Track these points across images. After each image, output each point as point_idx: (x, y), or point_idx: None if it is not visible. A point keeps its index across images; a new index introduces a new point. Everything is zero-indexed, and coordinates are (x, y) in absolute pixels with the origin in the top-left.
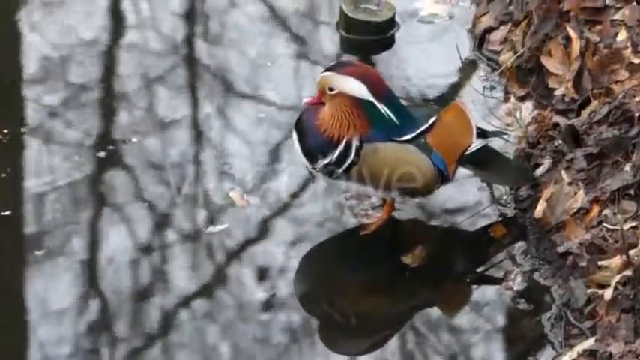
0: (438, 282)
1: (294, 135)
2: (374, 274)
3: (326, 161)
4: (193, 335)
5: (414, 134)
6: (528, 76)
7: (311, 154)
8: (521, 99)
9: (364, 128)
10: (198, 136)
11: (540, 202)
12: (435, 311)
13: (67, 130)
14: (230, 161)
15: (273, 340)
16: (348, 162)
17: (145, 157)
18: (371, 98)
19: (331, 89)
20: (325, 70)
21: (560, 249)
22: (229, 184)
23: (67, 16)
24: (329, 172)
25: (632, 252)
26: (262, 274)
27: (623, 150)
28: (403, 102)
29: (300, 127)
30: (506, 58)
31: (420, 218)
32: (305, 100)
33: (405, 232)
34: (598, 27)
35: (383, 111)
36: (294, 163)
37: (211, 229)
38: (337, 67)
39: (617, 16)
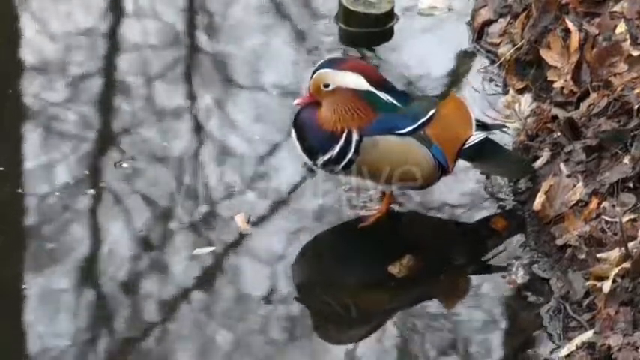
0: (437, 274)
1: (293, 133)
2: (373, 266)
3: (326, 158)
4: (192, 327)
5: (413, 126)
6: (527, 69)
7: (311, 151)
8: (520, 91)
9: (369, 116)
10: (198, 127)
11: (539, 194)
12: (434, 303)
13: (66, 121)
14: (229, 158)
15: (271, 332)
16: (347, 159)
17: (145, 150)
18: (370, 88)
19: (327, 86)
20: (318, 68)
21: (559, 241)
22: (229, 180)
23: (66, 7)
24: (329, 168)
25: (630, 244)
26: (261, 265)
27: (621, 142)
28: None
29: (298, 124)
30: (505, 50)
31: (418, 211)
32: (296, 101)
33: (398, 234)
34: (597, 20)
35: (384, 97)
36: (294, 155)
37: (199, 250)
38: (331, 63)
39: (616, 8)
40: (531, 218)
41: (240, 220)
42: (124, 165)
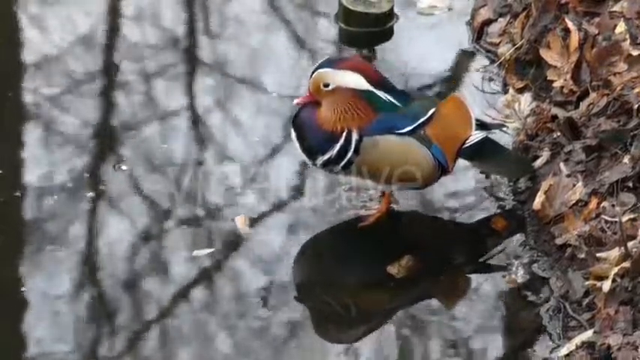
0: (436, 274)
1: (293, 132)
2: (373, 266)
3: (326, 157)
4: (192, 328)
5: (413, 126)
6: (527, 69)
7: (311, 151)
8: (520, 91)
9: (369, 116)
10: (198, 128)
11: (539, 194)
12: (434, 303)
13: (65, 123)
14: (229, 159)
15: (271, 332)
16: (347, 158)
17: (144, 151)
18: (370, 88)
19: (326, 85)
20: (317, 68)
21: (559, 241)
22: (228, 181)
23: (66, 8)
24: (329, 168)
25: (630, 244)
26: (261, 266)
27: (621, 142)
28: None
29: (298, 124)
30: (505, 50)
31: (418, 211)
32: (296, 101)
33: (398, 234)
34: (597, 19)
35: (384, 97)
36: (293, 154)
37: (198, 252)
38: (330, 63)
39: (616, 8)
40: (531, 218)
41: (240, 222)
42: (123, 167)
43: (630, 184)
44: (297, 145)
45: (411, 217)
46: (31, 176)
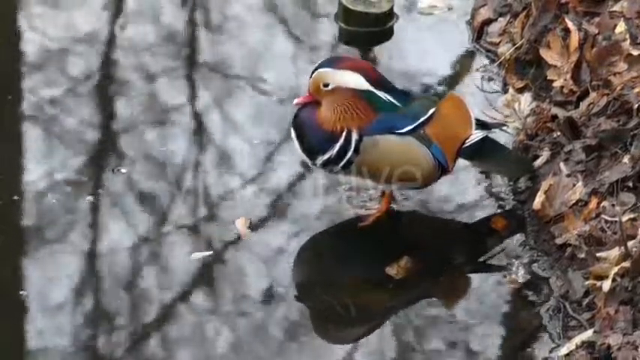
0: (436, 274)
1: (293, 133)
2: (373, 266)
3: (326, 157)
4: (193, 328)
5: (413, 125)
6: (527, 68)
7: (311, 150)
8: (520, 91)
9: (369, 116)
10: (197, 129)
11: (539, 193)
12: (434, 302)
13: (65, 124)
14: (229, 160)
15: (271, 332)
16: (347, 158)
17: (144, 153)
18: (370, 88)
19: (326, 85)
20: (317, 68)
21: (559, 241)
22: (228, 182)
23: (65, 7)
24: (329, 168)
25: (630, 244)
26: (261, 266)
27: (621, 142)
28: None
29: (298, 124)
30: (505, 49)
31: (418, 211)
32: (295, 101)
33: (397, 234)
34: (597, 19)
35: (384, 97)
36: (293, 154)
37: (198, 254)
38: (330, 63)
39: (616, 8)
40: (531, 217)
41: (240, 225)
42: (123, 170)
43: (630, 184)
44: (297, 145)
45: (411, 217)
46: (30, 178)
